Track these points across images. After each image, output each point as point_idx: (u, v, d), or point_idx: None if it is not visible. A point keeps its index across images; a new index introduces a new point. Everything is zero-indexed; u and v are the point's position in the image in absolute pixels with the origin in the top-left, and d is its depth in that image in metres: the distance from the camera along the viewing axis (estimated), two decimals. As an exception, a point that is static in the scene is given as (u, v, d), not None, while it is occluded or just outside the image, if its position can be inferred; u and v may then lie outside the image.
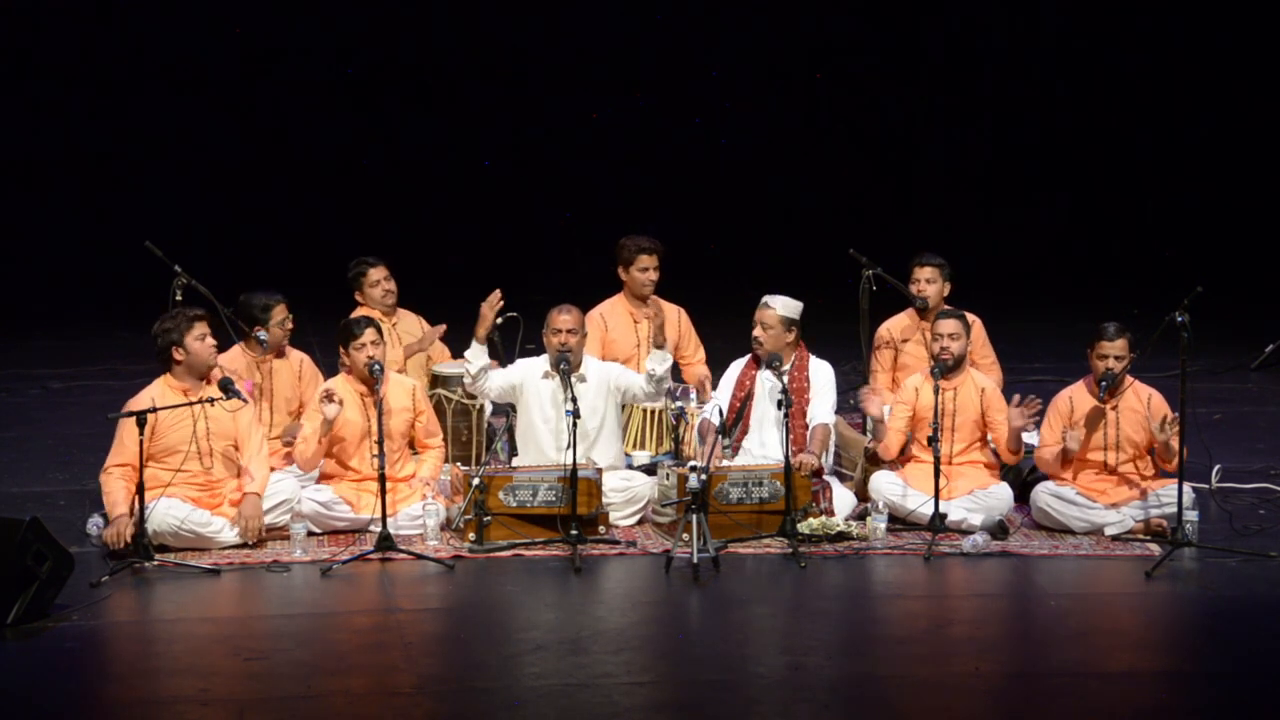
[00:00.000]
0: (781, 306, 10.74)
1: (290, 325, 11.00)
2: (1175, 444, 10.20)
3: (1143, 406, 10.48)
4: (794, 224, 18.33)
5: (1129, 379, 10.54)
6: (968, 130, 18.91)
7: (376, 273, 11.63)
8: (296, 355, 11.19)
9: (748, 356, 10.90)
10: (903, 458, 10.75)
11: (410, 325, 11.79)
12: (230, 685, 8.35)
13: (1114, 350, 10.41)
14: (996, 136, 18.90)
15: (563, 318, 10.68)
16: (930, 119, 18.98)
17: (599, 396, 10.68)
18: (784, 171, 18.70)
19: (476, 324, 10.59)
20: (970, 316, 11.35)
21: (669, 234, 12.07)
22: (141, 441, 9.80)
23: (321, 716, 8.05)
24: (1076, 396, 10.56)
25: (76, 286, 16.98)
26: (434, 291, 12.63)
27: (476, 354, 10.64)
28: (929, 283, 11.54)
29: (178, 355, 10.11)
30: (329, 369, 11.34)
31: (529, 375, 10.78)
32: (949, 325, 10.65)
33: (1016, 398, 10.52)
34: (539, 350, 10.92)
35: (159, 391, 10.12)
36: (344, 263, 11.79)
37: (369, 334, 10.47)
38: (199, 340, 10.10)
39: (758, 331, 10.75)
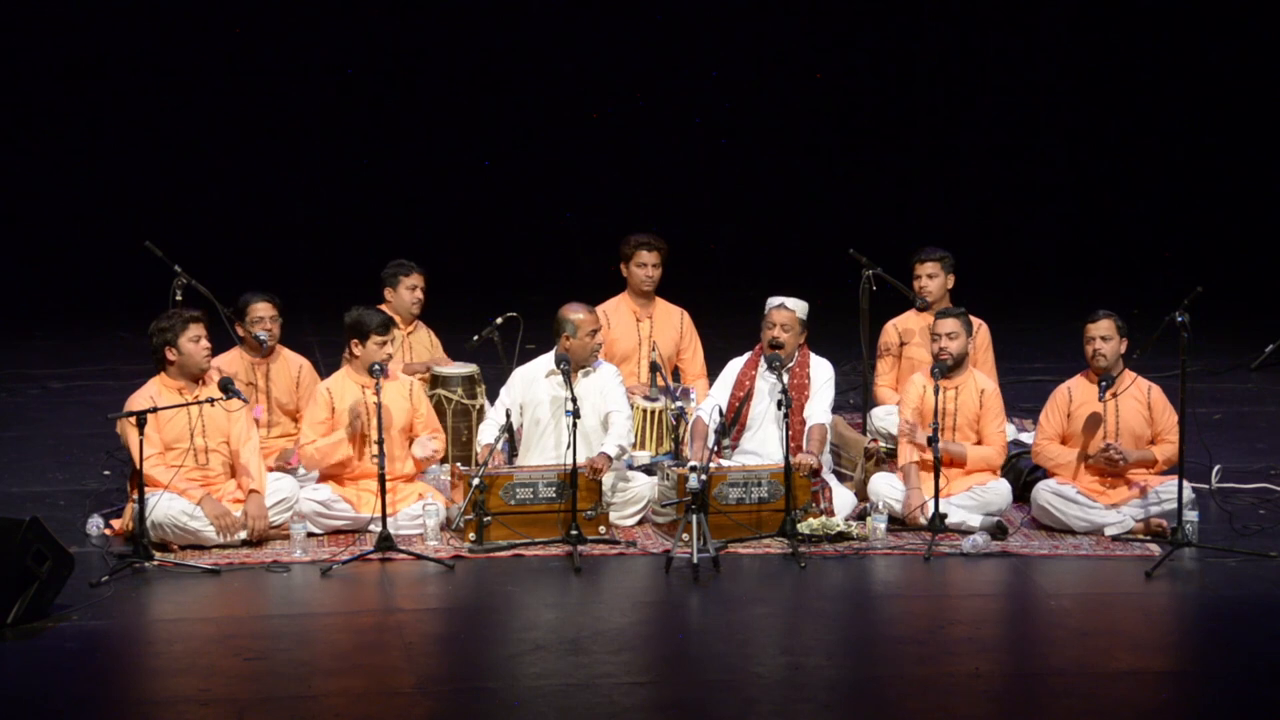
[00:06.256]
0: (797, 308, 10.72)
1: (269, 325, 10.92)
2: (1125, 456, 10.34)
3: (1144, 396, 10.48)
4: (794, 223, 18.32)
5: (1130, 375, 10.53)
6: (968, 130, 18.89)
7: (415, 279, 11.51)
8: (296, 360, 11.16)
9: (747, 355, 10.88)
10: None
11: (422, 338, 11.70)
12: (230, 685, 8.35)
13: (1099, 331, 10.39)
14: (997, 136, 18.89)
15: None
16: (930, 118, 18.96)
17: (599, 396, 10.62)
18: (784, 171, 18.68)
19: None
20: (976, 321, 11.33)
21: (670, 233, 12.06)
22: (142, 442, 9.82)
23: (321, 716, 8.05)
24: (1075, 388, 10.56)
25: (76, 286, 16.97)
26: (434, 291, 12.61)
27: (487, 433, 10.65)
28: (930, 278, 11.52)
29: (170, 355, 10.12)
30: (329, 369, 11.32)
31: (533, 377, 10.74)
32: (948, 325, 10.62)
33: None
34: (540, 350, 10.91)
35: (156, 390, 10.14)
36: (343, 263, 11.74)
37: (390, 335, 10.43)
38: (193, 342, 10.09)
39: (776, 333, 10.67)
